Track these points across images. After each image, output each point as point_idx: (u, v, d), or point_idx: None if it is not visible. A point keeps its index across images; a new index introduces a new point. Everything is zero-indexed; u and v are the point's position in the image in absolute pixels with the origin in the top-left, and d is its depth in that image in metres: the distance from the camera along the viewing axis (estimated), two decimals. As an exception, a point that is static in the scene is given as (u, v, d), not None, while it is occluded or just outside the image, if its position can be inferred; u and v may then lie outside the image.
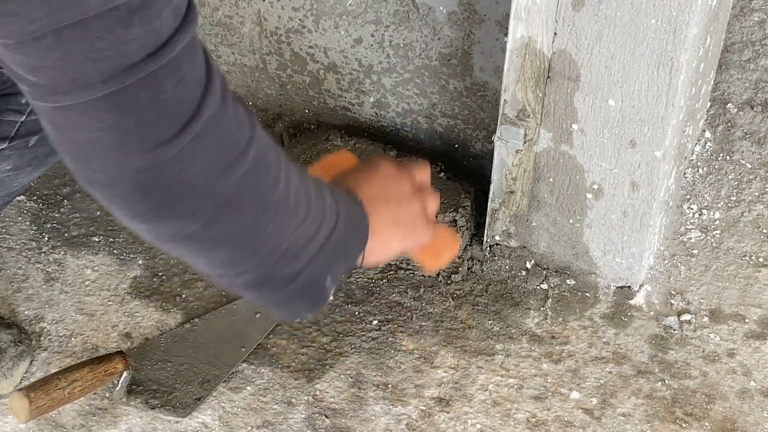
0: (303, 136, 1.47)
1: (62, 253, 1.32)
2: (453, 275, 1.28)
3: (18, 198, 1.39)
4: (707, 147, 1.39)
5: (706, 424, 1.14)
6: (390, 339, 1.22)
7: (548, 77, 1.13)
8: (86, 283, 1.29)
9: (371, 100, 1.44)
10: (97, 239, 1.34)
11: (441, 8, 1.27)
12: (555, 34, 1.09)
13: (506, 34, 1.13)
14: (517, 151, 1.20)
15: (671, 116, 1.08)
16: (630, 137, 1.12)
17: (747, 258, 1.27)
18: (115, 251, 1.32)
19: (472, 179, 1.37)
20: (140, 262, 1.31)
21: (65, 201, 1.39)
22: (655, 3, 1.01)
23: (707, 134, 1.40)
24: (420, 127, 1.42)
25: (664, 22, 1.02)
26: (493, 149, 1.22)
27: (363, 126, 1.48)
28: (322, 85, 1.47)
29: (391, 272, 1.29)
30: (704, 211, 1.32)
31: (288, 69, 1.47)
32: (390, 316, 1.24)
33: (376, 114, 1.45)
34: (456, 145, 1.41)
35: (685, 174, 1.36)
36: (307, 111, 1.51)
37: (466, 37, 1.30)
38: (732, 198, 1.34)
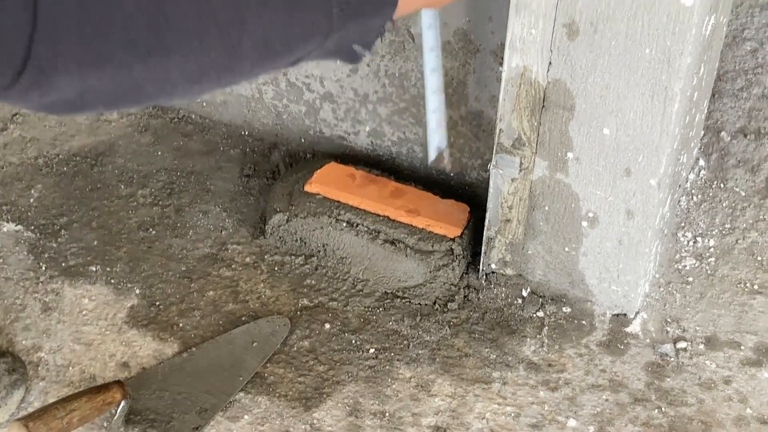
0: (299, 164, 1.48)
1: (59, 282, 1.32)
2: (449, 303, 1.28)
3: (15, 228, 1.39)
4: (701, 175, 1.40)
5: (703, 451, 1.14)
6: (387, 367, 1.22)
7: (543, 106, 1.13)
8: (83, 312, 1.29)
9: (367, 129, 1.45)
10: (94, 269, 1.34)
11: (436, 38, 1.28)
12: (550, 63, 1.10)
13: (501, 64, 1.14)
14: (512, 180, 1.20)
15: (666, 145, 1.09)
16: (625, 165, 1.12)
17: (742, 285, 1.28)
18: (112, 281, 1.32)
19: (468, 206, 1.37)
20: (137, 291, 1.31)
21: (62, 231, 1.39)
22: (649, 33, 1.01)
23: (701, 162, 1.41)
24: (415, 155, 1.43)
25: (658, 52, 1.02)
26: (488, 178, 1.23)
27: (359, 155, 1.48)
28: (318, 115, 1.47)
29: (388, 300, 1.30)
30: (699, 239, 1.33)
31: (284, 98, 1.48)
32: (387, 345, 1.24)
33: (372, 143, 1.46)
34: (452, 174, 1.42)
35: (679, 202, 1.36)
36: (303, 140, 1.52)
37: (461, 67, 1.31)
38: (726, 225, 1.34)
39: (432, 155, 1.19)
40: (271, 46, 0.85)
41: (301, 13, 0.85)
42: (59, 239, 1.38)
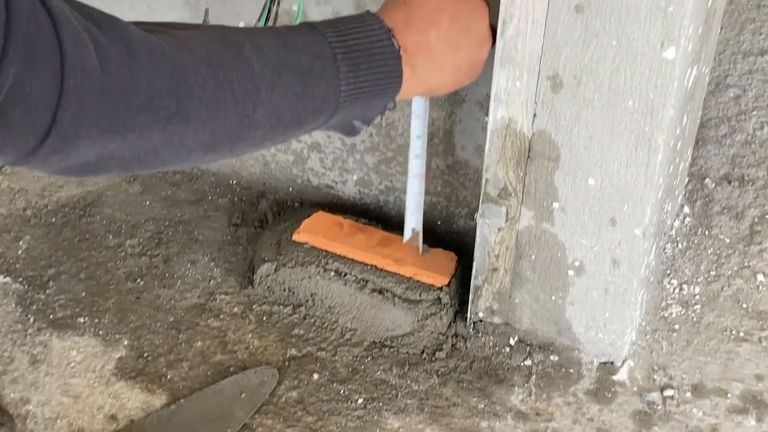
0: (287, 213, 1.48)
1: (48, 334, 1.32)
2: (437, 352, 1.29)
3: (3, 280, 1.39)
4: (686, 222, 1.41)
5: (692, 499, 1.14)
6: (375, 417, 1.22)
7: (529, 157, 1.14)
8: (71, 364, 1.29)
9: (354, 178, 1.46)
10: (82, 320, 1.34)
11: (422, 89, 1.29)
12: (535, 115, 1.11)
13: (487, 114, 1.15)
14: (499, 229, 1.21)
15: (650, 195, 1.10)
16: (610, 215, 1.13)
17: (728, 332, 1.28)
18: (100, 332, 1.33)
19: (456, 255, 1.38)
20: (125, 342, 1.31)
21: (50, 282, 1.40)
22: (632, 86, 1.03)
23: (686, 209, 1.42)
24: (403, 204, 1.43)
25: (641, 104, 1.04)
26: (475, 226, 1.24)
27: (346, 203, 1.49)
28: (306, 164, 1.48)
29: (376, 350, 1.30)
30: (684, 286, 1.34)
31: (272, 148, 1.49)
32: (375, 395, 1.25)
33: (360, 192, 1.47)
34: (439, 222, 1.43)
35: (665, 249, 1.37)
36: (290, 189, 1.52)
37: (447, 117, 1.32)
38: (712, 273, 1.35)
39: (407, 236, 1.29)
40: (283, 119, 0.88)
41: (312, 89, 0.89)
42: (47, 291, 1.39)
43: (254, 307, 1.36)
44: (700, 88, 1.28)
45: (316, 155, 1.46)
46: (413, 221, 1.31)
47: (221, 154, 0.86)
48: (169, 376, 1.27)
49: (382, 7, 1.02)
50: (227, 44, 0.84)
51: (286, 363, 1.28)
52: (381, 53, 0.96)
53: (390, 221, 1.45)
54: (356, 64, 0.93)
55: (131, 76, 0.74)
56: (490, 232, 1.22)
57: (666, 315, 1.31)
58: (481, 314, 1.30)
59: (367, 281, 1.31)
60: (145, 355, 1.30)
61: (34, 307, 1.36)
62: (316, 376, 1.27)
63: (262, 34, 0.89)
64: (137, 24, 0.79)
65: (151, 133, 0.77)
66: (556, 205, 1.16)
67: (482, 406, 1.23)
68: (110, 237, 1.48)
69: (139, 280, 1.41)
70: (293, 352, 1.30)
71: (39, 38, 0.67)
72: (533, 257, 1.22)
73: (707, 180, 1.46)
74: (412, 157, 1.25)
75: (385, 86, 0.96)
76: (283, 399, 1.24)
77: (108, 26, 0.74)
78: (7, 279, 1.40)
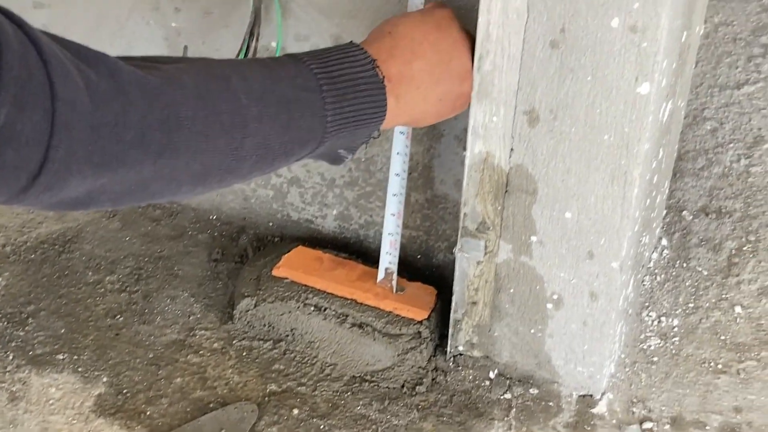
0: (267, 248, 1.49)
1: (27, 371, 1.32)
2: (417, 386, 1.29)
3: (-18, 317, 1.39)
4: (664, 254, 1.42)
5: None
6: (356, 452, 1.22)
7: (506, 191, 1.15)
8: (50, 402, 1.28)
9: (334, 212, 1.46)
10: (61, 357, 1.34)
11: (401, 124, 1.30)
12: (512, 149, 1.11)
13: (465, 148, 1.15)
14: (478, 263, 1.21)
15: (626, 228, 1.11)
16: (587, 248, 1.14)
17: (706, 365, 1.29)
18: (79, 369, 1.32)
19: (435, 289, 1.38)
20: (104, 379, 1.31)
21: (30, 319, 1.39)
22: (608, 120, 1.04)
23: (664, 241, 1.43)
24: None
25: (617, 138, 1.05)
26: (454, 260, 1.24)
27: (326, 238, 1.49)
28: (286, 199, 1.49)
29: (356, 384, 1.30)
30: (663, 319, 1.34)
31: (252, 183, 1.50)
32: (355, 429, 1.24)
33: (339, 226, 1.47)
34: (418, 256, 1.43)
35: (643, 281, 1.38)
36: (270, 224, 1.53)
37: (426, 151, 1.32)
38: (690, 305, 1.36)
39: (381, 275, 1.30)
40: (270, 150, 0.89)
41: (298, 120, 0.90)
42: (26, 327, 1.38)
43: (234, 342, 1.36)
44: (676, 121, 1.29)
45: (296, 190, 1.46)
46: (387, 260, 1.31)
47: (210, 186, 0.87)
48: (148, 413, 1.27)
49: (367, 38, 1.03)
50: (215, 76, 0.85)
51: (266, 398, 1.28)
52: (366, 83, 0.97)
53: (370, 255, 1.45)
54: (341, 95, 0.94)
55: (122, 111, 0.74)
56: (469, 265, 1.22)
57: (645, 347, 1.31)
58: (460, 348, 1.30)
59: (347, 316, 1.31)
60: (125, 391, 1.30)
61: (13, 344, 1.36)
62: (296, 411, 1.26)
63: (248, 66, 0.89)
64: (125, 59, 0.79)
65: (142, 166, 0.78)
66: (534, 238, 1.17)
67: (462, 440, 1.23)
68: (90, 273, 1.47)
69: (118, 316, 1.40)
70: (273, 387, 1.30)
71: (30, 79, 0.67)
72: (512, 290, 1.22)
73: (685, 212, 1.47)
74: (389, 195, 1.26)
75: (371, 116, 0.97)
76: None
77: (97, 63, 0.75)
78: (-14, 316, 1.39)
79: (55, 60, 0.70)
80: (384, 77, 0.98)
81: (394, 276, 1.31)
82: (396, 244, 1.29)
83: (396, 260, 1.31)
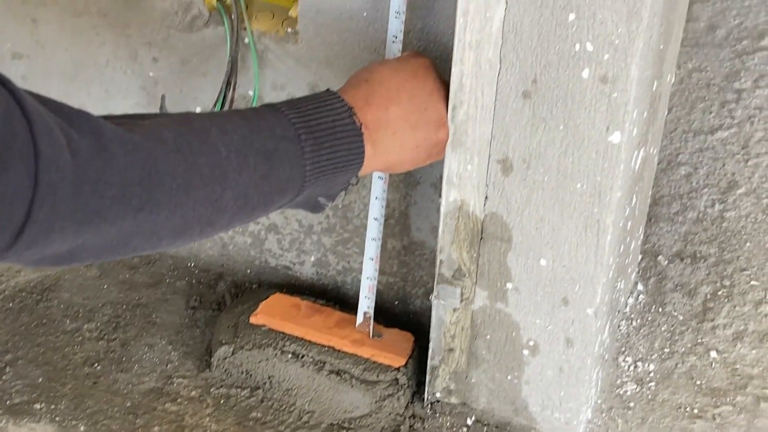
0: (245, 295, 1.49)
1: (4, 421, 1.31)
2: (395, 433, 1.29)
3: (-41, 367, 1.39)
4: (640, 299, 1.43)
5: None
6: (333, 501, 1.22)
7: (482, 238, 1.16)
8: (27, 451, 1.28)
9: (312, 259, 1.46)
10: (38, 406, 1.33)
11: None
12: (486, 197, 1.12)
13: (440, 196, 1.16)
14: (454, 310, 1.22)
15: (601, 275, 1.11)
16: (562, 295, 1.15)
17: (682, 410, 1.29)
18: (56, 418, 1.32)
19: (412, 335, 1.39)
20: (82, 428, 1.30)
21: (7, 368, 1.39)
22: (580, 169, 1.05)
23: (639, 286, 1.44)
24: (360, 284, 1.44)
25: (589, 187, 1.06)
26: (431, 306, 1.25)
27: (304, 284, 1.50)
28: (264, 245, 1.49)
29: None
30: (639, 364, 1.35)
31: (230, 230, 1.50)
32: (333, 477, 1.25)
33: (317, 272, 1.47)
34: (396, 302, 1.44)
35: (619, 326, 1.39)
36: (248, 271, 1.53)
37: (402, 199, 1.33)
38: (666, 350, 1.37)
39: (359, 319, 1.31)
40: (250, 200, 0.90)
41: (278, 170, 0.91)
42: (4, 377, 1.38)
43: (212, 390, 1.36)
44: (649, 168, 1.30)
45: (274, 237, 1.47)
46: (365, 305, 1.32)
47: (191, 238, 0.88)
48: (125, 462, 1.27)
49: (344, 85, 1.04)
50: (194, 130, 0.86)
51: (244, 446, 1.28)
52: (343, 131, 0.98)
53: (347, 302, 1.46)
54: (320, 144, 0.95)
55: (103, 168, 0.75)
56: (445, 312, 1.23)
57: (621, 392, 1.32)
58: (438, 394, 1.30)
59: (324, 363, 1.32)
60: (102, 440, 1.29)
61: (-10, 393, 1.36)
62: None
63: (227, 118, 0.90)
64: (106, 117, 0.80)
65: (122, 222, 0.78)
66: (509, 285, 1.17)
67: (440, 487, 1.23)
68: (67, 321, 1.47)
69: (96, 364, 1.40)
70: (251, 435, 1.30)
71: (14, 138, 0.68)
72: (488, 337, 1.23)
73: (660, 257, 1.48)
74: (368, 239, 1.27)
75: (348, 163, 0.98)
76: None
77: (79, 120, 0.75)
78: (-37, 365, 1.39)
79: (38, 119, 0.71)
80: (361, 124, 0.99)
81: (371, 321, 1.32)
82: (374, 289, 1.30)
83: (373, 305, 1.31)
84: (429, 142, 1.07)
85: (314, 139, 0.95)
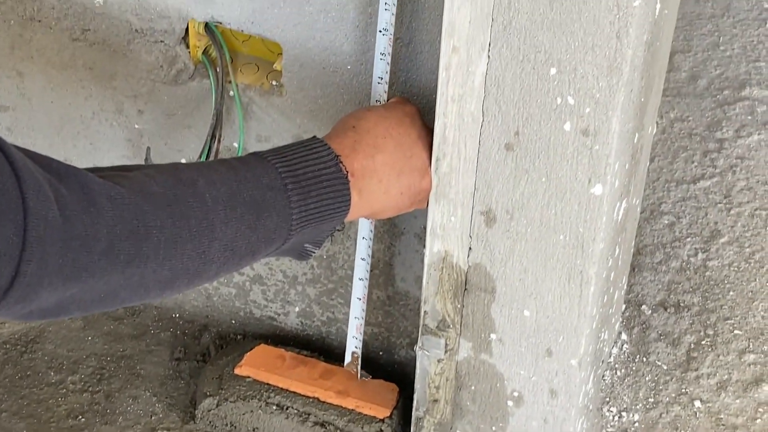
0: (229, 347, 1.49)
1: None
2: (380, 485, 1.29)
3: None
4: (624, 349, 1.43)
5: None
6: None
7: (465, 289, 1.16)
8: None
9: (296, 309, 1.47)
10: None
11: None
12: (470, 249, 1.13)
13: (425, 247, 1.17)
14: (438, 361, 1.22)
15: (584, 326, 1.12)
16: (546, 346, 1.15)
17: (667, 460, 1.30)
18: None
19: (397, 386, 1.39)
20: (65, 482, 1.30)
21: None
22: (562, 221, 1.06)
23: (623, 336, 1.45)
24: (345, 334, 1.44)
25: (572, 238, 1.06)
26: (416, 357, 1.25)
27: (289, 335, 1.50)
28: (248, 296, 1.49)
29: (319, 483, 1.30)
30: (624, 414, 1.35)
31: (214, 281, 1.50)
32: None
33: (302, 323, 1.47)
34: (381, 353, 1.44)
35: (603, 376, 1.39)
36: (233, 321, 1.53)
37: (386, 249, 1.34)
38: (650, 400, 1.37)
39: (347, 359, 1.31)
40: (237, 251, 0.90)
41: (265, 220, 0.92)
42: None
43: (196, 442, 1.35)
44: (632, 218, 1.31)
45: (259, 287, 1.47)
46: (353, 345, 1.31)
47: (178, 290, 0.88)
48: None
49: (330, 132, 1.05)
50: (181, 181, 0.86)
51: (228, 499, 1.28)
52: (329, 179, 0.98)
53: (332, 352, 1.46)
54: (306, 192, 0.96)
55: (92, 223, 0.76)
56: (429, 363, 1.23)
57: (606, 443, 1.32)
58: (423, 446, 1.30)
59: (309, 414, 1.32)
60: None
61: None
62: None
63: (214, 168, 0.91)
64: (94, 171, 0.81)
65: (110, 276, 0.79)
66: (493, 336, 1.18)
67: None
68: (52, 373, 1.47)
69: (80, 417, 1.40)
70: (235, 488, 1.29)
71: (3, 194, 0.69)
72: (473, 388, 1.23)
73: (644, 306, 1.49)
74: (355, 279, 1.26)
75: (335, 211, 0.99)
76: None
77: (67, 176, 0.76)
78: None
79: (27, 174, 0.71)
80: (348, 172, 1.00)
81: (359, 360, 1.31)
82: (361, 329, 1.30)
83: (361, 345, 1.31)
84: (413, 190, 1.08)
85: (301, 188, 0.95)
